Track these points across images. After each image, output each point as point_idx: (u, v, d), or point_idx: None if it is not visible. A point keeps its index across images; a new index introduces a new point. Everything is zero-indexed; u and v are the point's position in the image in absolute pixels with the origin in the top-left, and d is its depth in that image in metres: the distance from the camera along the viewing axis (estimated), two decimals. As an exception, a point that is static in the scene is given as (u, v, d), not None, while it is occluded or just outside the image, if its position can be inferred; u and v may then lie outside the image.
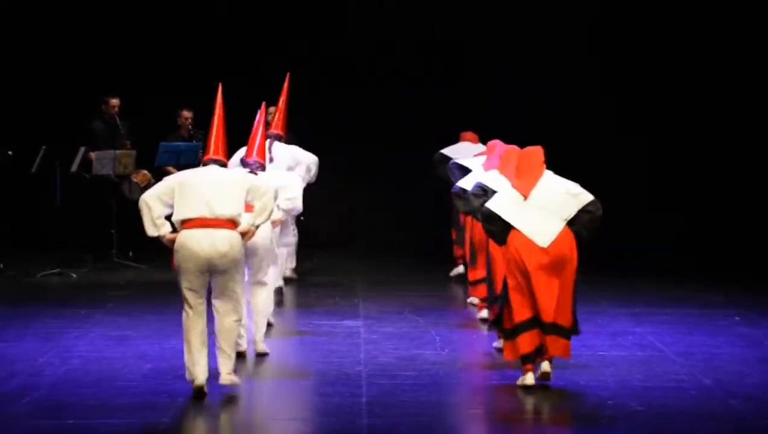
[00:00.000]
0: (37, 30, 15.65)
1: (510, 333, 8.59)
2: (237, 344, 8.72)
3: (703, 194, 15.71)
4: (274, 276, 10.04)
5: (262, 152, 10.06)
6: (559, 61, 15.76)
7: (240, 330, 8.99)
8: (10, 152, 13.40)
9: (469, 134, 13.78)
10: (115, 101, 14.37)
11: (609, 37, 15.82)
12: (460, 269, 13.22)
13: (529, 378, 8.54)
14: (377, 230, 16.15)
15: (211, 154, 8.69)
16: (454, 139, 13.87)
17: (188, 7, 15.80)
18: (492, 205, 8.70)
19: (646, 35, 15.83)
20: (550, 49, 15.77)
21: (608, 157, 15.73)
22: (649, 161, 15.94)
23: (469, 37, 15.95)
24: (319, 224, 15.03)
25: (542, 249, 8.48)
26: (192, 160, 13.73)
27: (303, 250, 12.80)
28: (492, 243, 9.34)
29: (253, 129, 10.09)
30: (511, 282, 8.57)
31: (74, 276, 13.49)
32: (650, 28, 15.83)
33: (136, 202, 13.84)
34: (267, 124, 11.14)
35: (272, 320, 10.46)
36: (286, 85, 12.33)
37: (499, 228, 8.65)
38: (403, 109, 15.88)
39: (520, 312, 8.51)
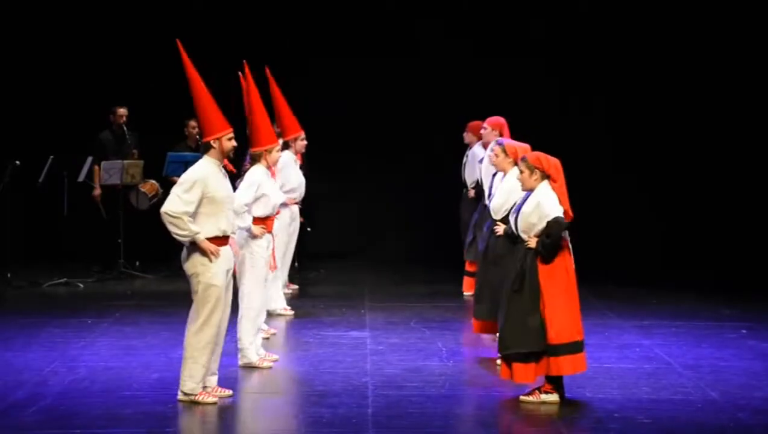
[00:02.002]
0: (45, 40, 15.67)
1: (556, 350, 8.31)
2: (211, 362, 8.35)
3: (703, 198, 15.68)
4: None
5: (264, 136, 9.54)
6: (558, 60, 15.76)
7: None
8: (17, 162, 13.42)
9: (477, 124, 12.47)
10: (123, 111, 14.39)
11: (609, 37, 15.80)
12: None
13: (556, 397, 8.50)
14: (382, 236, 16.11)
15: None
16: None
17: (189, 8, 15.78)
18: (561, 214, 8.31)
19: (646, 35, 15.81)
20: (549, 49, 15.77)
21: (607, 159, 15.72)
22: (648, 163, 15.91)
23: (469, 36, 15.95)
24: (323, 231, 15.02)
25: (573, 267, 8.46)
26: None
27: (308, 261, 12.80)
28: None
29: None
30: (559, 301, 8.33)
31: (81, 286, 13.49)
32: (650, 28, 15.81)
33: (143, 212, 14.09)
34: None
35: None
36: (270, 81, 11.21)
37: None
38: (403, 109, 15.86)
39: (570, 332, 8.32)
